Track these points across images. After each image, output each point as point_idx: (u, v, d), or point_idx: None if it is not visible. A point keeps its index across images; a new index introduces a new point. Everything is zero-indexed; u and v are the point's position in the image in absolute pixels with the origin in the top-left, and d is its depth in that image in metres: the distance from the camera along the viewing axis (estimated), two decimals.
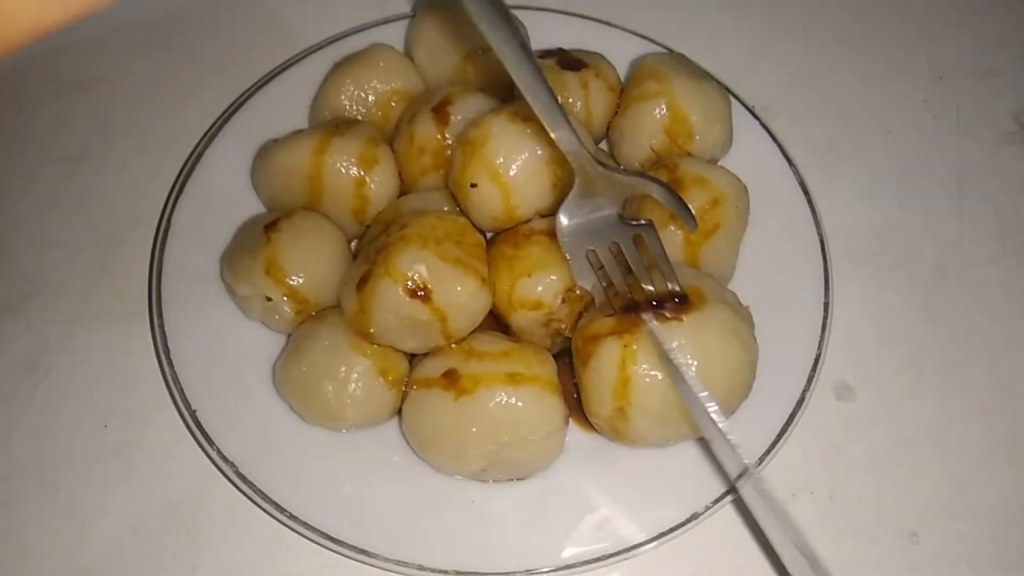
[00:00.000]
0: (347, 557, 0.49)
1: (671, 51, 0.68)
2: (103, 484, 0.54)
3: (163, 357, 0.54)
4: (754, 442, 0.52)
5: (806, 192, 0.63)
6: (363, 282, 0.49)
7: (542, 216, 0.55)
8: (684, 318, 0.48)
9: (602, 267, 0.49)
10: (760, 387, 0.52)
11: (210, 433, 0.52)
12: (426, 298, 0.48)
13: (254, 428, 0.52)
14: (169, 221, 0.59)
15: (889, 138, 0.74)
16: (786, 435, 0.53)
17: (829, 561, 0.53)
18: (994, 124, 0.76)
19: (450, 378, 0.49)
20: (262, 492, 0.50)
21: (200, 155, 0.62)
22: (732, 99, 0.66)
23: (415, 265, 0.48)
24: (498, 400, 0.48)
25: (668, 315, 0.48)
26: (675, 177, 0.56)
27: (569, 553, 0.49)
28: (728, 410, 0.49)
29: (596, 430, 0.53)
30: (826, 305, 0.58)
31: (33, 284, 0.62)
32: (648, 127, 0.60)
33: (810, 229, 0.62)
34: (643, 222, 0.47)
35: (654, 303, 0.49)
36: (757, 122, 0.67)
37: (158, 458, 0.55)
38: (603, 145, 0.65)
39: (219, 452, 0.51)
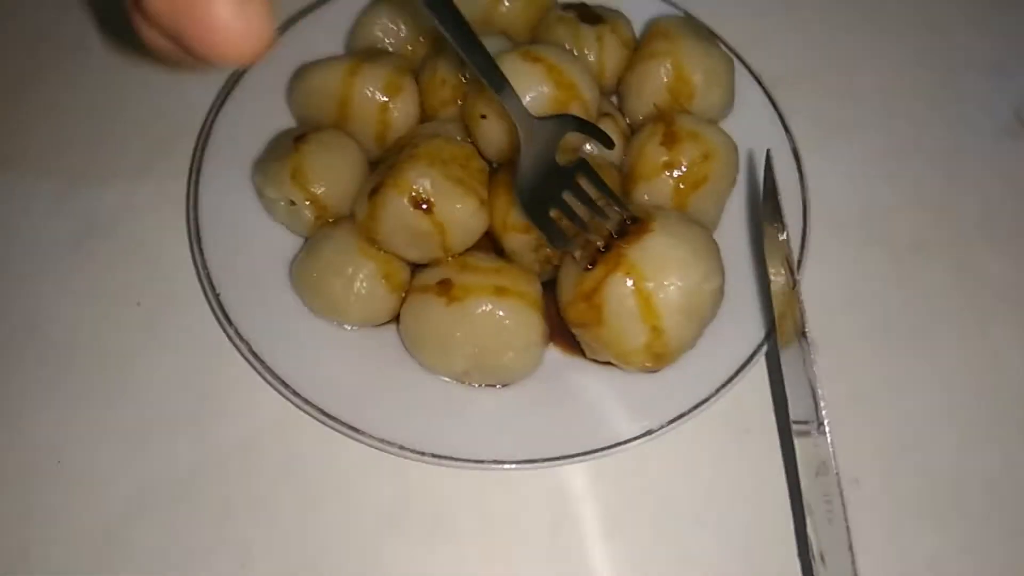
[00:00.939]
0: (341, 433, 0.55)
1: (688, 15, 0.72)
2: (131, 352, 0.61)
3: (195, 246, 0.61)
4: (715, 372, 0.58)
5: (797, 158, 0.68)
6: (374, 191, 0.55)
7: None
8: (648, 233, 0.53)
9: (568, 221, 0.54)
10: (725, 325, 0.58)
11: (229, 314, 0.58)
12: (428, 211, 0.54)
13: (268, 314, 0.59)
14: (210, 130, 0.66)
15: (890, 122, 0.78)
16: (745, 370, 0.58)
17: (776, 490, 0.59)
18: (994, 118, 0.80)
19: (444, 286, 0.55)
20: (271, 369, 0.56)
21: (242, 74, 0.68)
22: (741, 67, 0.71)
23: (420, 180, 0.54)
24: (483, 309, 0.54)
25: (633, 236, 0.53)
26: (671, 130, 0.61)
27: (534, 451, 0.55)
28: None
29: (634, 369, 0.57)
30: (799, 262, 0.63)
31: (83, 175, 0.69)
32: (653, 84, 0.65)
33: (796, 193, 0.66)
34: (576, 161, 0.53)
35: (615, 235, 0.54)
36: (761, 90, 0.71)
37: (182, 334, 0.62)
38: (612, 99, 0.70)
39: (236, 331, 0.57)
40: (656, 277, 0.52)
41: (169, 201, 0.67)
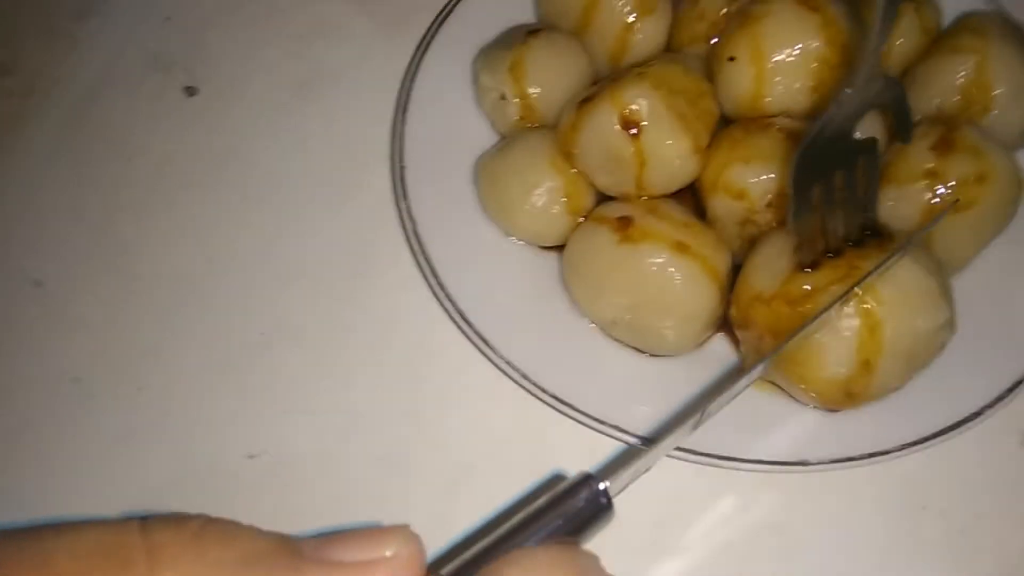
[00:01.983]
0: (468, 339, 0.52)
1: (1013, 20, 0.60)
2: (309, 192, 0.62)
3: (399, 115, 0.59)
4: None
5: None
6: (586, 100, 0.50)
7: (789, 118, 0.52)
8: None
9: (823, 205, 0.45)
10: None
11: (408, 191, 0.56)
12: (636, 136, 0.48)
13: (443, 203, 0.56)
14: (452, 10, 0.63)
15: None
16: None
17: None
18: None
19: (623, 223, 0.49)
20: (427, 255, 0.54)
21: None
22: None
23: (639, 99, 0.48)
24: (656, 260, 0.48)
25: (873, 250, 0.45)
26: (950, 136, 0.50)
27: (652, 431, 0.48)
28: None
29: (807, 401, 0.48)
30: None
31: (321, 26, 0.70)
32: (944, 82, 0.54)
33: None
34: (868, 140, 0.43)
35: (849, 241, 0.46)
36: None
37: (360, 193, 0.61)
38: None
39: (408, 209, 0.55)
40: (895, 306, 0.44)
41: (390, 68, 0.65)
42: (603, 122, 0.49)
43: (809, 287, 0.45)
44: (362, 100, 0.66)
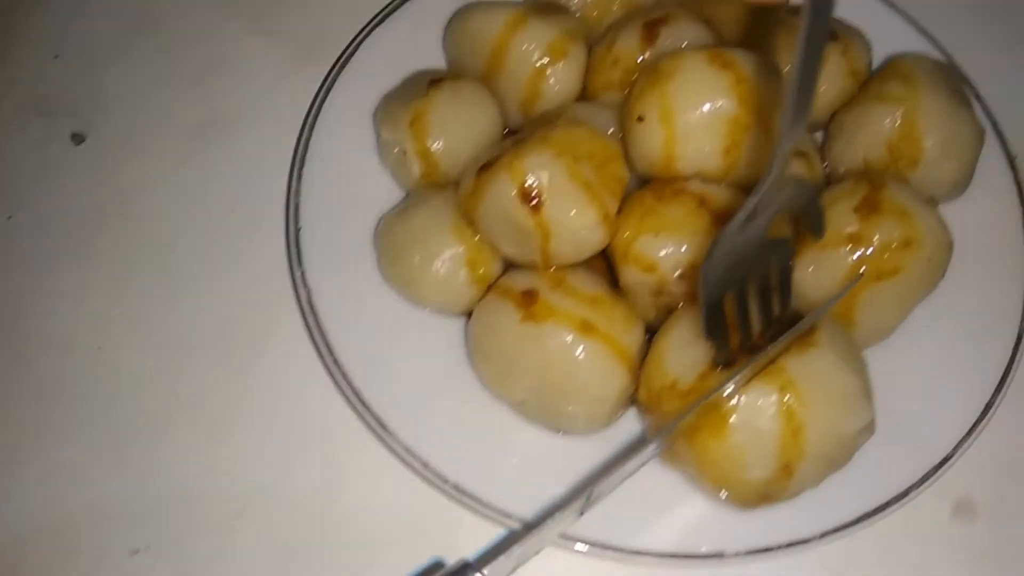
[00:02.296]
0: (363, 420, 0.48)
1: (949, 61, 0.57)
2: (217, 258, 0.57)
3: (295, 170, 0.55)
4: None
5: None
6: (486, 167, 0.46)
7: (703, 181, 0.48)
8: (813, 347, 0.42)
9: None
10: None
11: (303, 255, 0.52)
12: (536, 208, 0.45)
13: (340, 268, 0.52)
14: (354, 51, 0.59)
15: None
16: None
17: None
18: None
19: (527, 298, 0.45)
20: (321, 328, 0.50)
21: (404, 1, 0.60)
22: (995, 140, 0.56)
23: (539, 170, 0.44)
24: (561, 340, 0.44)
25: (795, 346, 0.42)
26: (875, 197, 0.48)
27: (561, 521, 0.44)
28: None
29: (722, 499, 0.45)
30: (983, 414, 0.49)
31: (221, 64, 0.65)
32: (871, 134, 0.51)
33: (1012, 328, 0.51)
34: (781, 239, 0.40)
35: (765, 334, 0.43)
36: (1011, 176, 0.55)
37: (260, 263, 0.57)
38: (818, 136, 0.57)
39: (302, 276, 0.51)
40: (818, 407, 0.41)
41: (292, 112, 0.61)
42: (501, 193, 0.45)
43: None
44: (264, 144, 0.61)
